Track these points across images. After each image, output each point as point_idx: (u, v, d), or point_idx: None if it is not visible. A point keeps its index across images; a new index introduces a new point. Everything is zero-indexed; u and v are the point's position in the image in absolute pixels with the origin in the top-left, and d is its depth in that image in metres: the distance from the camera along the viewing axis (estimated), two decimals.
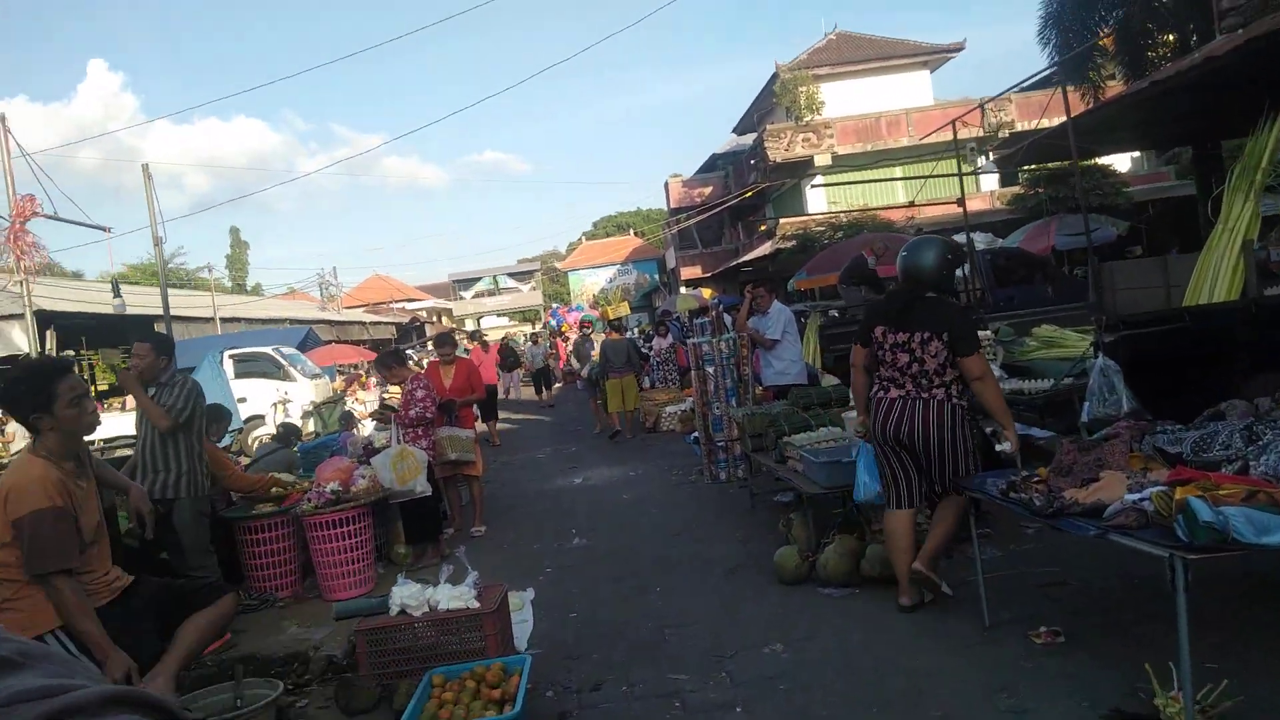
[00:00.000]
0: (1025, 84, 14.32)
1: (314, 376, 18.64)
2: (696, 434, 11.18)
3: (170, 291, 35.15)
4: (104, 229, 8.94)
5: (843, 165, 30.14)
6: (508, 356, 22.05)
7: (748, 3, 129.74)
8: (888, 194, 30.00)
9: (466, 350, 16.14)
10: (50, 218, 6.47)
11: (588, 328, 13.90)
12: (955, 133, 11.76)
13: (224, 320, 27.91)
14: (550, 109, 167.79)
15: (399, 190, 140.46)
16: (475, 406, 8.56)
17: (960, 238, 14.03)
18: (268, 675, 4.51)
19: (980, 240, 12.95)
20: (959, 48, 31.70)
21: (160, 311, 25.30)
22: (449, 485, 7.70)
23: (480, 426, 8.76)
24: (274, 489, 6.57)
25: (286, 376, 17.64)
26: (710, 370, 8.33)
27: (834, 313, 13.54)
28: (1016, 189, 26.83)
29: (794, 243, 27.07)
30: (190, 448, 5.20)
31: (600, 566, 6.08)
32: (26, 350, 18.65)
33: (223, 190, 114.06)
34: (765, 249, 29.78)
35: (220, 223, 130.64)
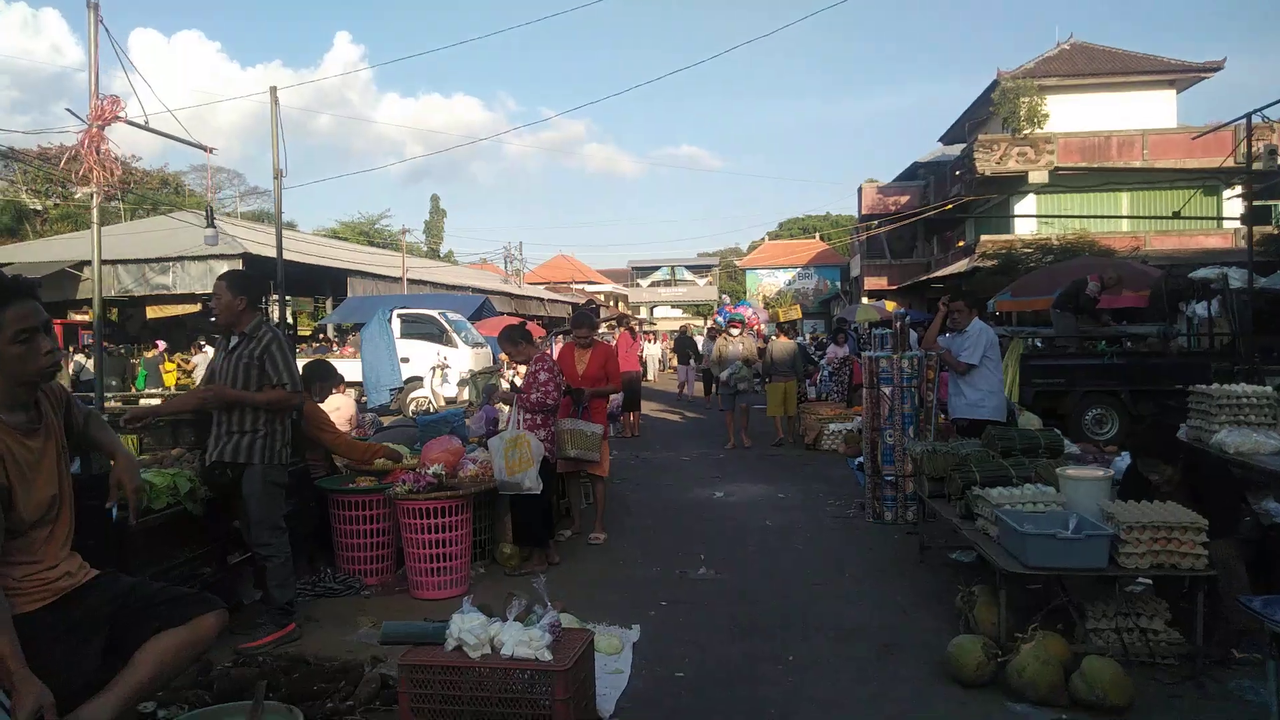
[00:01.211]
0: None
1: (476, 345, 18.56)
2: (861, 459, 9.90)
3: (366, 249, 36.82)
4: (205, 148, 8.47)
5: (1060, 185, 27.42)
6: (685, 347, 21.13)
7: (975, 6, 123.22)
8: (1109, 221, 27.09)
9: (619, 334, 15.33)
10: (133, 124, 6.00)
11: (736, 327, 12.46)
12: (1250, 132, 9.64)
13: (411, 281, 28.70)
14: (753, 105, 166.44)
15: (595, 175, 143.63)
16: (612, 398, 7.70)
17: (1206, 271, 11.93)
18: (314, 686, 3.81)
19: (1235, 278, 10.83)
20: (1216, 67, 27.99)
21: (354, 266, 26.27)
22: (570, 481, 6.89)
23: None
24: (378, 461, 5.95)
25: (449, 342, 17.61)
26: (886, 391, 7.08)
27: (1038, 342, 11.80)
28: (1269, 228, 23.43)
29: (995, 262, 24.83)
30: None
31: (725, 609, 5.04)
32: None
33: (436, 161, 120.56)
34: (961, 266, 27.57)
35: (425, 190, 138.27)
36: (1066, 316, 11.55)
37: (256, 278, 4.75)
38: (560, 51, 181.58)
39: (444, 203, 76.31)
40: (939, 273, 29.90)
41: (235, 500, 4.60)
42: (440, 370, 16.98)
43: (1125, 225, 27.38)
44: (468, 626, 3.30)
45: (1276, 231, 22.73)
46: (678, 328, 33.32)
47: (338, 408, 10.31)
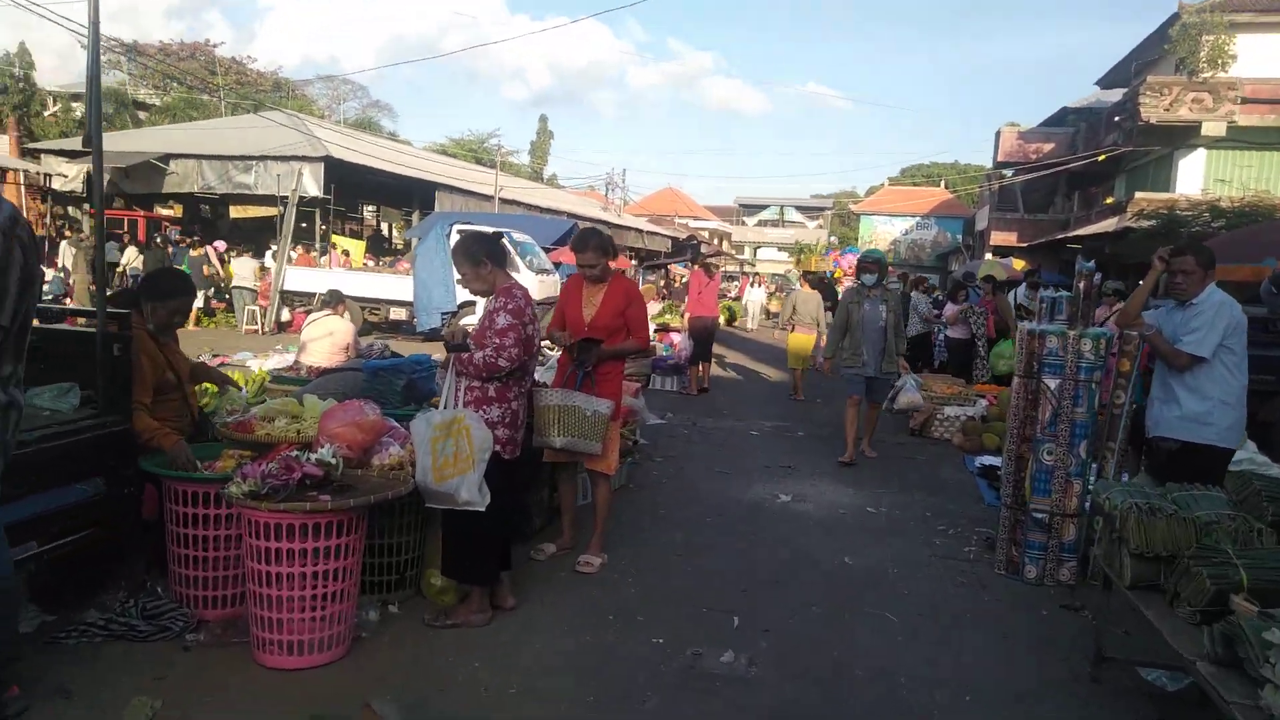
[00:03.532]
0: None
1: (541, 271, 16.66)
2: (985, 460, 7.50)
3: (458, 164, 35.11)
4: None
5: (1239, 140, 23.49)
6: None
7: None
8: None
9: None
10: None
11: (871, 271, 7.64)
12: None
13: (504, 201, 27.08)
14: (887, 45, 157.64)
15: (714, 110, 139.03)
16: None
17: None
18: None
19: None
20: None
21: (448, 180, 24.57)
22: (563, 473, 4.76)
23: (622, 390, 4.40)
24: (261, 431, 3.91)
25: (510, 265, 15.47)
26: (1051, 384, 4.64)
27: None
28: None
29: (1152, 223, 21.23)
30: None
31: None
32: (315, 193, 18.07)
33: (558, 87, 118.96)
34: (1108, 225, 23.92)
35: (536, 112, 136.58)
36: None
37: None
38: None
39: (560, 127, 74.40)
40: (1079, 231, 26.23)
41: None
42: None
43: None
44: None
45: None
46: (815, 271, 30.25)
47: (330, 332, 8.39)
